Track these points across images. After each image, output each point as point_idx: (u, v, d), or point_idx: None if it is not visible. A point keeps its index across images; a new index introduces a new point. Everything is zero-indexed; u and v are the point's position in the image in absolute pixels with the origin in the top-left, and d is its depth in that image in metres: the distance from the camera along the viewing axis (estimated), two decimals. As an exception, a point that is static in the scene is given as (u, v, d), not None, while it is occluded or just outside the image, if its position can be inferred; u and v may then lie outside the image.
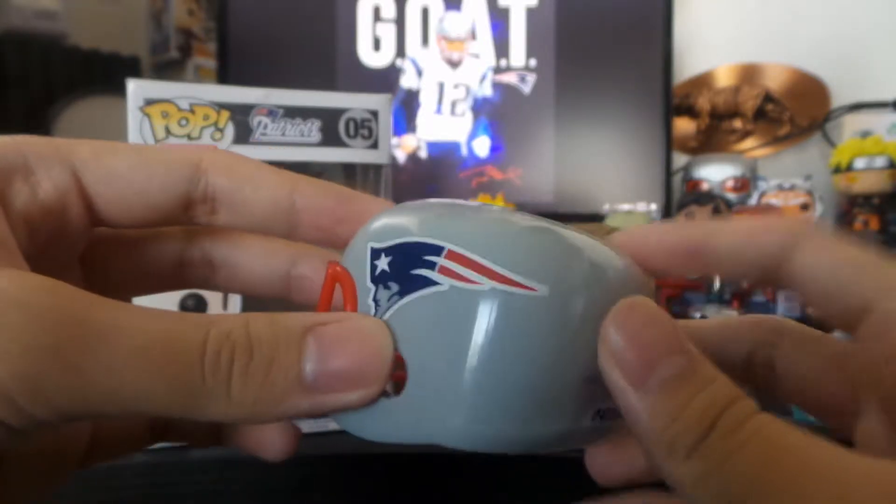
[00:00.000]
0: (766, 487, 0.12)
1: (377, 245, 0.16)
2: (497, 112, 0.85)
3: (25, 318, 0.12)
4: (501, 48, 0.85)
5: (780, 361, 0.19)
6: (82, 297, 0.13)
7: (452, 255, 0.15)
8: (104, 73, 1.00)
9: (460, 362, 0.14)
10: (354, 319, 0.16)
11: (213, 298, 0.34)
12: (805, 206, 0.92)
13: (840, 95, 1.02)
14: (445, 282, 0.15)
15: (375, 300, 0.16)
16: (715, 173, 0.91)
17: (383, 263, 0.16)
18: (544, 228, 0.15)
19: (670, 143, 0.85)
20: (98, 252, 0.19)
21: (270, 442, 0.19)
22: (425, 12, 0.85)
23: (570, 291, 0.15)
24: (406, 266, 0.15)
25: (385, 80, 0.84)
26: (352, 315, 0.16)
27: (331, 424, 0.35)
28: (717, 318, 0.21)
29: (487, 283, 0.14)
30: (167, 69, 1.09)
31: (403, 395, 0.15)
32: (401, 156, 0.85)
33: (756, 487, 0.12)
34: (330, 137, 0.35)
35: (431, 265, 0.15)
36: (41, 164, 0.16)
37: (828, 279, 0.16)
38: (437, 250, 0.15)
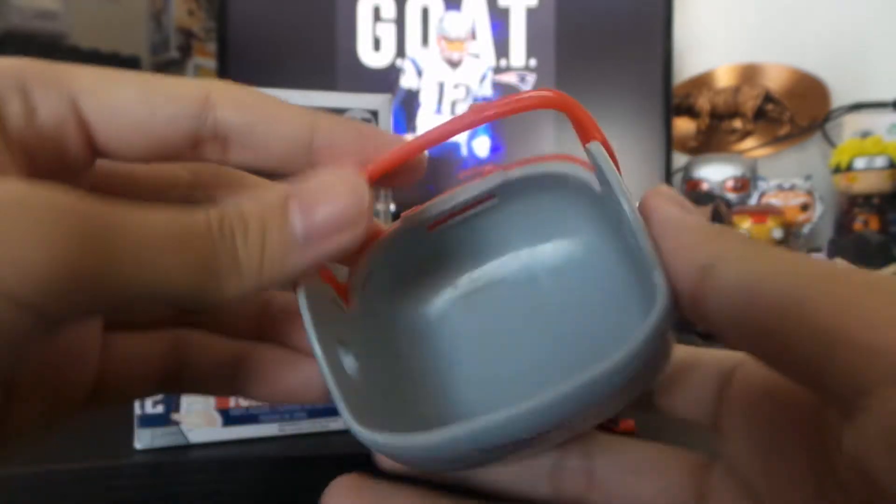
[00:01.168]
0: None
1: None
2: (497, 112, 0.85)
3: (55, 212, 0.12)
4: (501, 48, 0.85)
5: None
6: (94, 198, 0.13)
7: None
8: (104, 73, 0.99)
9: None
10: (325, 174, 0.16)
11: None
12: (805, 206, 0.92)
13: (840, 95, 1.03)
14: None
15: None
16: (715, 173, 0.91)
17: None
18: None
19: (670, 143, 0.85)
20: (102, 190, 0.18)
21: (305, 384, 0.19)
22: (425, 12, 0.85)
23: None
24: None
25: (385, 80, 0.84)
26: (323, 171, 0.17)
27: (331, 424, 0.35)
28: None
29: None
30: (167, 69, 1.09)
31: None
32: (401, 156, 0.85)
33: None
34: (330, 137, 0.35)
35: None
36: (39, 89, 0.15)
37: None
38: None
